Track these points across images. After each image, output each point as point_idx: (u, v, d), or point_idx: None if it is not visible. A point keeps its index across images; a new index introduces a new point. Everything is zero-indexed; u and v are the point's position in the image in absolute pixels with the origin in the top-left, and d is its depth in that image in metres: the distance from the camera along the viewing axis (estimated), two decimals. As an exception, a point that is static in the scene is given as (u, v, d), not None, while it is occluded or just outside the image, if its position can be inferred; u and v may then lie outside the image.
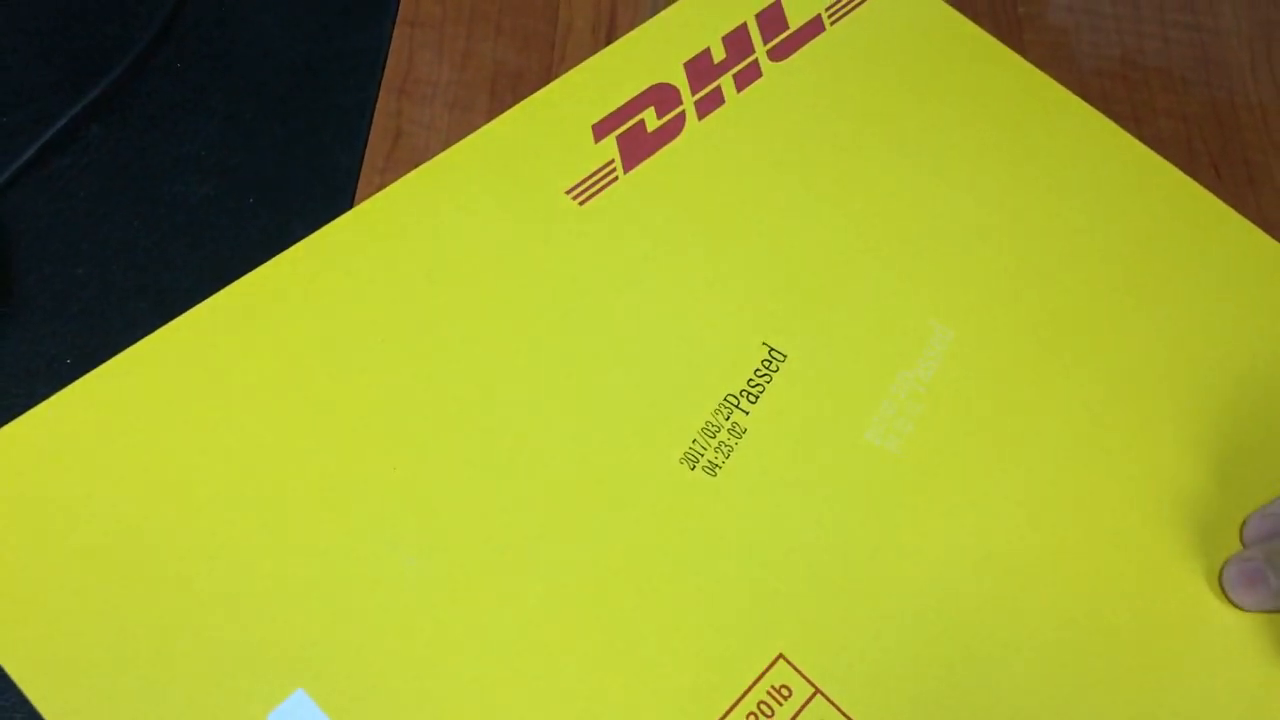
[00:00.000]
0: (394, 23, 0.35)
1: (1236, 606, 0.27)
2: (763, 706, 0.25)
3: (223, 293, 0.28)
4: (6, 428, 0.26)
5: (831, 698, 0.25)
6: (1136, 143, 0.35)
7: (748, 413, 0.28)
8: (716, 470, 0.27)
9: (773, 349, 0.29)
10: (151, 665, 0.23)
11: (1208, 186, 0.35)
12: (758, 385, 0.29)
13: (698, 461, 0.28)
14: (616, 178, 0.31)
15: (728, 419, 0.28)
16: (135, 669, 0.23)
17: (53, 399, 0.26)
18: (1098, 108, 0.36)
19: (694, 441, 0.28)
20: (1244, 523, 0.29)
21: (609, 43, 0.35)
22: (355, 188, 0.31)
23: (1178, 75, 0.38)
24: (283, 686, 0.24)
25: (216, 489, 0.25)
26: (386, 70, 0.34)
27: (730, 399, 0.28)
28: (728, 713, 0.25)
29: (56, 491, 0.25)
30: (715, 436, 0.28)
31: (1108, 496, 0.29)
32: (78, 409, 0.26)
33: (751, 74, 0.34)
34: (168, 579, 0.24)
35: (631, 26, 0.35)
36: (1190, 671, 0.26)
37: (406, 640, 0.24)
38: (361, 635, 0.24)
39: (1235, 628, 0.27)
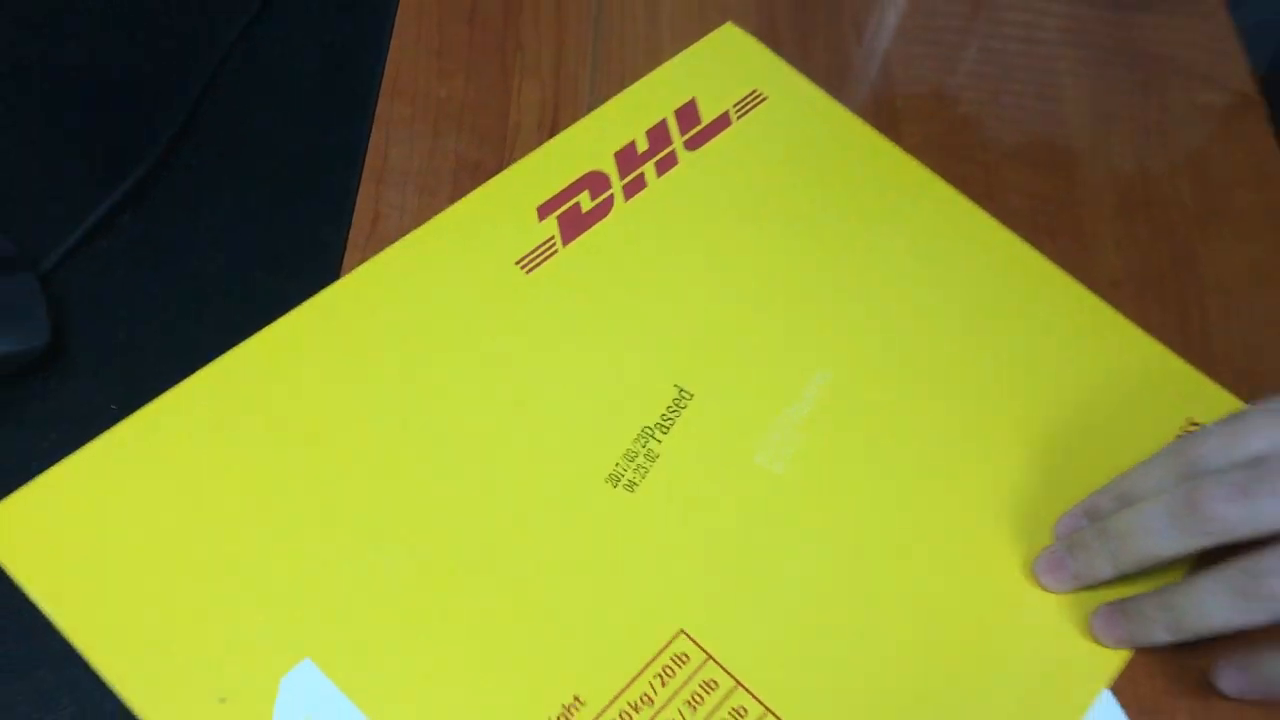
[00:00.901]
0: (372, 121, 0.42)
1: (1046, 589, 0.35)
2: (666, 669, 0.32)
3: (237, 348, 0.35)
4: (68, 459, 0.32)
5: (721, 662, 0.32)
6: (987, 216, 0.43)
7: (660, 441, 0.35)
8: (635, 487, 0.34)
9: (682, 389, 0.36)
10: (188, 640, 0.30)
11: (1045, 253, 0.43)
12: (669, 419, 0.36)
13: (620, 480, 0.34)
14: (556, 250, 0.38)
15: (644, 446, 0.35)
16: (176, 643, 0.30)
17: (104, 436, 0.33)
18: (958, 187, 0.44)
19: (617, 464, 0.35)
20: (1056, 522, 0.36)
21: (551, 136, 0.42)
22: (341, 261, 0.38)
23: (1027, 159, 0.46)
24: (292, 656, 0.30)
25: (236, 501, 0.32)
26: (366, 161, 0.41)
27: (646, 430, 0.35)
28: (640, 672, 0.31)
29: (111, 505, 0.32)
30: (634, 460, 0.35)
31: (953, 505, 0.36)
32: (124, 444, 0.33)
33: (670, 162, 0.41)
34: (198, 573, 0.31)
35: (570, 123, 0.42)
36: (1010, 644, 0.34)
37: (395, 620, 0.31)
38: (356, 617, 0.31)
39: (1046, 610, 0.34)
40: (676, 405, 0.36)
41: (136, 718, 0.29)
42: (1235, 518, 0.31)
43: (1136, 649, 0.34)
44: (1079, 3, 0.52)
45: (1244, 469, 0.31)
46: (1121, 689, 0.35)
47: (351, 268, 0.38)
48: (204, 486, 0.32)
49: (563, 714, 0.31)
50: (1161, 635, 0.33)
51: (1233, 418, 0.33)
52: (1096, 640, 0.34)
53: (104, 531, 0.31)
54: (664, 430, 0.36)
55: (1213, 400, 0.39)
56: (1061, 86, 0.49)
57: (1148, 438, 0.37)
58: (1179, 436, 0.37)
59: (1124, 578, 0.34)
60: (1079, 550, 0.34)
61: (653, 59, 0.45)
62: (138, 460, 0.32)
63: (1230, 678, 0.34)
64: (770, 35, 0.47)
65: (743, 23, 0.47)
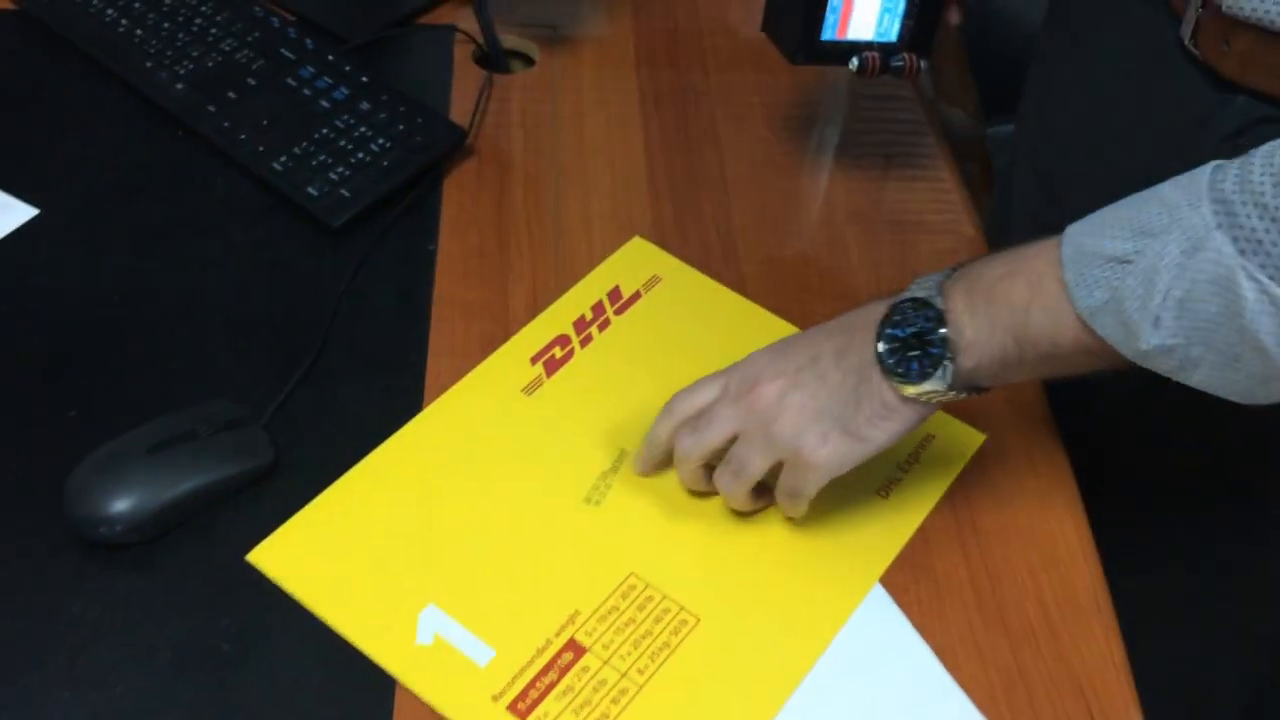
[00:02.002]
0: (430, 318, 0.71)
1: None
2: (624, 594, 0.59)
3: (377, 450, 0.63)
4: (296, 516, 0.60)
5: (656, 587, 0.59)
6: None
7: (612, 478, 0.63)
8: (600, 503, 0.62)
9: (622, 449, 0.64)
10: (378, 604, 0.57)
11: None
12: (616, 466, 0.64)
13: (590, 500, 0.62)
14: (543, 381, 0.67)
15: (604, 480, 0.63)
16: (372, 607, 0.57)
17: (314, 500, 0.61)
18: (784, 318, 0.72)
19: (589, 491, 0.63)
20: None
21: (535, 316, 0.71)
22: (422, 402, 0.67)
23: (829, 295, 0.75)
24: (424, 601, 0.57)
25: (394, 524, 0.60)
26: (430, 344, 0.70)
27: (604, 473, 0.63)
28: (609, 595, 0.58)
29: (328, 534, 0.59)
30: (598, 489, 0.63)
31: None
32: (330, 500, 0.61)
33: (606, 323, 0.71)
34: (375, 565, 0.59)
35: (545, 308, 0.72)
36: (799, 559, 0.61)
37: (479, 583, 0.58)
38: (459, 582, 0.58)
39: (828, 531, 0.61)
40: (620, 459, 0.64)
41: (349, 641, 0.56)
42: (689, 445, 0.59)
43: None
44: (854, 185, 0.82)
45: (694, 416, 0.59)
46: (887, 580, 0.61)
47: (428, 404, 0.66)
48: (369, 522, 0.60)
49: (569, 619, 0.58)
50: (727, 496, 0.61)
51: (700, 381, 0.61)
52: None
53: (326, 547, 0.59)
54: (614, 472, 0.64)
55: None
56: (848, 244, 0.78)
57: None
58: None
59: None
60: (649, 455, 0.62)
61: (591, 261, 0.75)
62: (336, 511, 0.61)
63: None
64: (661, 238, 0.77)
65: (644, 232, 0.77)
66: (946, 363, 0.54)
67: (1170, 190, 0.48)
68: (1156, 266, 0.47)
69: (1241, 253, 0.45)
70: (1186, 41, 0.61)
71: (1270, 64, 0.57)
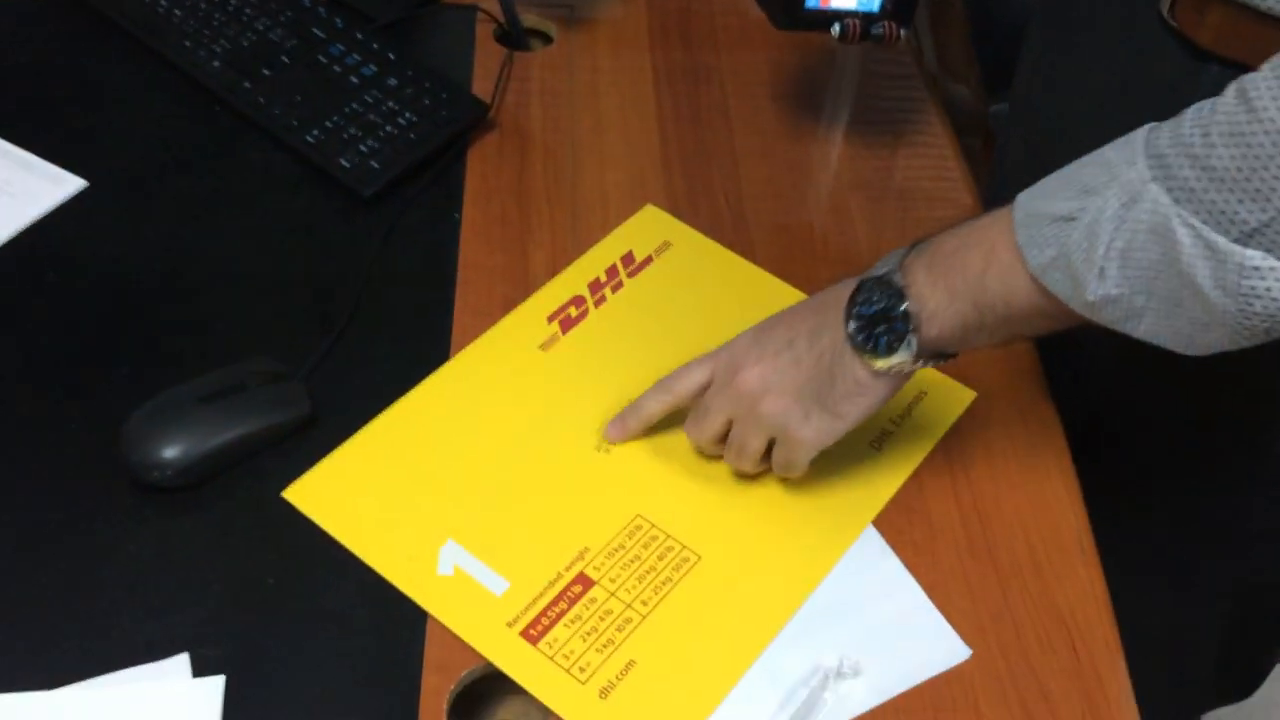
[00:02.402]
0: (456, 279, 0.76)
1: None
2: (631, 534, 0.63)
3: (403, 398, 0.68)
4: (328, 456, 0.65)
5: (660, 527, 0.63)
6: (806, 296, 0.75)
7: (621, 426, 0.68)
8: (610, 451, 0.67)
9: (631, 402, 0.69)
10: (400, 538, 0.62)
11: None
12: (626, 415, 0.68)
13: (600, 447, 0.67)
14: (559, 338, 0.72)
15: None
16: (395, 539, 0.62)
17: (347, 441, 0.66)
18: (790, 283, 0.76)
19: (599, 440, 0.67)
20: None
21: (553, 275, 0.76)
22: (449, 351, 0.71)
23: (834, 260, 0.79)
24: (445, 537, 0.62)
25: (422, 465, 0.65)
26: (456, 303, 0.74)
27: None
28: (617, 534, 0.63)
29: (357, 472, 0.64)
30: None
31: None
32: (364, 440, 0.66)
33: (619, 285, 0.75)
34: (400, 503, 0.63)
35: (562, 269, 0.76)
36: (796, 502, 0.65)
37: (496, 519, 0.63)
38: (478, 519, 0.63)
39: (822, 479, 0.66)
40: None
41: (376, 571, 0.61)
42: (695, 436, 0.65)
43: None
44: (858, 157, 0.86)
45: (696, 412, 0.64)
46: (879, 523, 0.65)
47: (455, 354, 0.71)
48: (400, 461, 0.65)
49: (579, 555, 0.62)
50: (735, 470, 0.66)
51: (691, 362, 0.66)
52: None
53: (356, 485, 0.64)
54: (623, 422, 0.68)
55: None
56: (852, 213, 0.82)
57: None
58: None
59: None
60: (625, 420, 0.67)
61: (606, 228, 0.79)
62: (366, 453, 0.66)
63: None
64: (673, 207, 0.81)
65: (656, 201, 0.81)
66: (910, 335, 0.57)
67: (1110, 151, 0.52)
68: (1099, 220, 0.50)
69: (1176, 201, 0.48)
70: (1165, 13, 0.64)
71: (1241, 35, 0.61)
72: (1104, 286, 0.51)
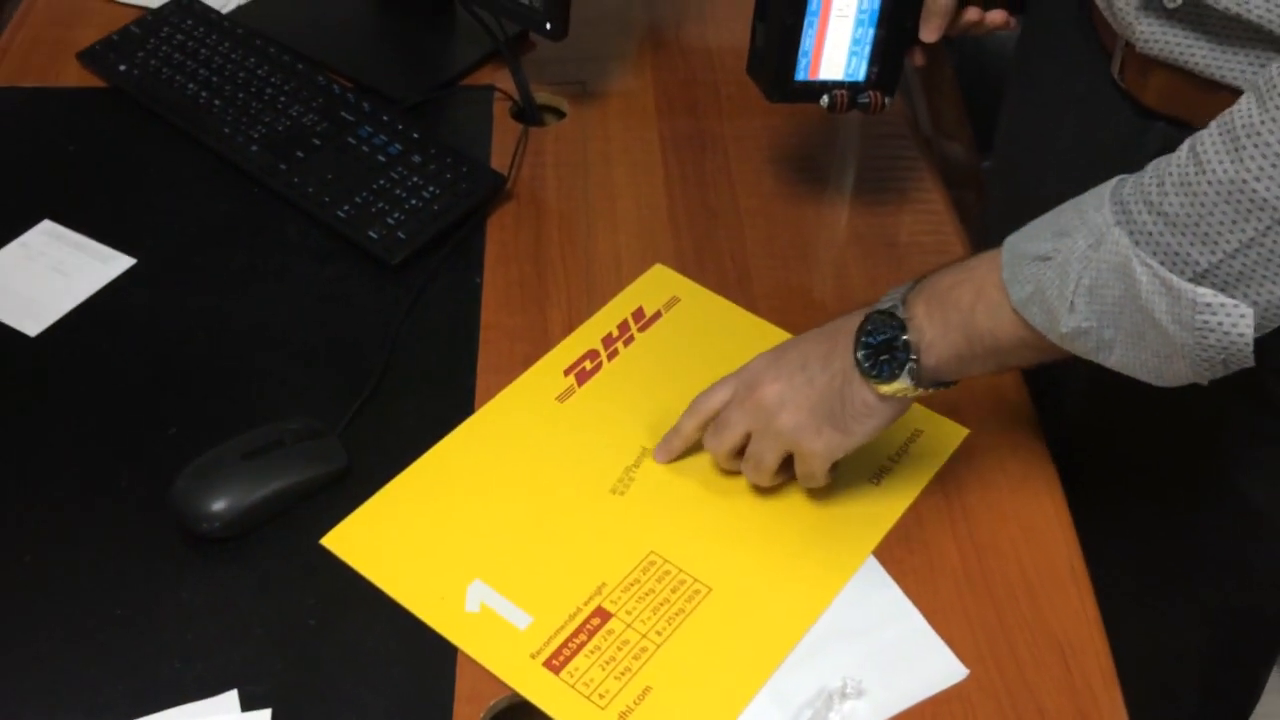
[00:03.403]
0: (479, 341, 0.81)
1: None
2: (646, 569, 0.67)
3: (434, 448, 0.73)
4: (367, 502, 0.70)
5: (673, 563, 0.68)
6: (803, 341, 0.80)
7: (635, 470, 0.72)
8: (625, 493, 0.71)
9: (644, 447, 0.74)
10: (430, 580, 0.67)
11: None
12: (638, 462, 0.73)
13: (616, 489, 0.71)
14: (575, 390, 0.77)
15: (627, 473, 0.72)
16: (426, 582, 0.67)
17: (382, 490, 0.71)
18: (788, 330, 0.81)
19: (615, 482, 0.72)
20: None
21: (569, 333, 0.81)
22: (473, 407, 0.76)
23: (832, 310, 0.84)
24: (472, 576, 0.67)
25: (451, 511, 0.69)
26: (479, 362, 0.79)
27: (627, 467, 0.72)
28: (632, 570, 0.67)
29: (392, 517, 0.69)
30: (622, 480, 0.72)
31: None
32: (397, 489, 0.71)
33: (630, 339, 0.80)
34: (431, 547, 0.68)
35: (577, 327, 0.81)
36: (802, 531, 0.69)
37: (518, 561, 0.68)
38: (503, 562, 0.67)
39: (824, 506, 0.70)
40: (641, 456, 0.73)
41: (407, 609, 0.65)
42: (714, 446, 0.69)
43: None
44: (855, 215, 0.91)
45: (714, 424, 0.69)
46: (880, 553, 0.69)
47: (478, 409, 0.76)
48: (425, 510, 0.70)
49: (597, 590, 0.67)
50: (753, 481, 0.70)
51: (714, 384, 0.70)
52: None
53: (391, 531, 0.69)
54: (636, 467, 0.73)
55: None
56: (849, 266, 0.87)
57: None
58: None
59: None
60: (669, 445, 0.72)
61: (618, 288, 0.84)
62: (399, 501, 0.70)
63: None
64: (681, 265, 0.86)
65: (665, 261, 0.87)
66: (911, 363, 0.62)
67: (1085, 197, 0.57)
68: (1069, 259, 0.55)
69: (1135, 243, 0.53)
70: (1116, 76, 0.70)
71: (1181, 96, 0.66)
72: (1075, 319, 0.56)
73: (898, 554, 0.70)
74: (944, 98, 1.11)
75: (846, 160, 0.99)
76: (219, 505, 0.69)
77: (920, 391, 0.64)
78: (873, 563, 0.69)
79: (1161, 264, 0.53)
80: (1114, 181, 0.56)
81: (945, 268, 0.64)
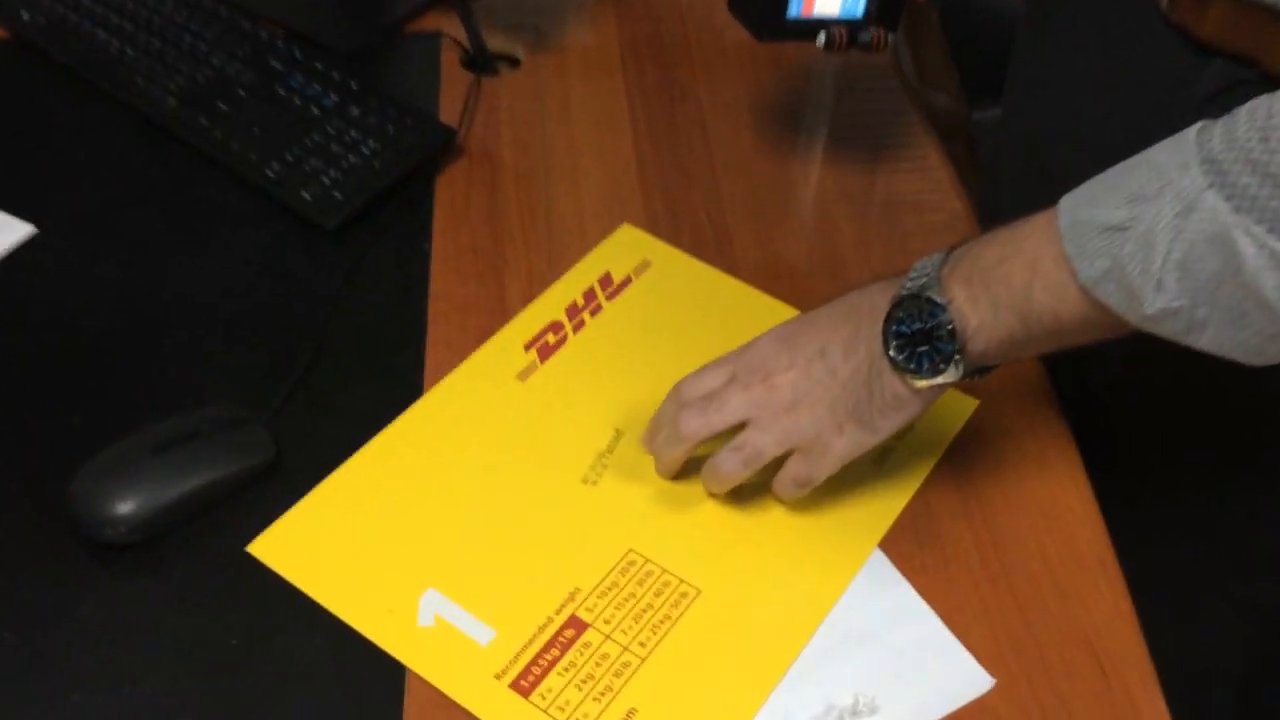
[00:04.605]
0: (428, 315, 0.72)
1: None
2: (624, 570, 0.59)
3: (377, 436, 0.64)
4: (295, 506, 0.61)
5: (656, 562, 0.59)
6: (795, 310, 0.72)
7: (609, 459, 0.64)
8: (597, 482, 0.63)
9: (618, 429, 0.65)
10: (373, 587, 0.58)
11: (829, 324, 0.71)
12: (613, 446, 0.64)
13: (588, 479, 0.63)
14: (538, 367, 0.68)
15: (601, 460, 0.63)
16: (366, 588, 0.58)
17: (312, 492, 0.61)
18: (776, 297, 0.73)
19: (586, 472, 0.63)
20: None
21: (529, 303, 0.72)
22: (422, 388, 0.67)
23: (819, 274, 0.75)
24: (424, 586, 0.58)
25: (389, 511, 0.60)
26: (429, 337, 0.70)
27: (601, 454, 0.64)
28: (609, 572, 0.59)
29: (325, 521, 0.60)
30: (594, 468, 0.63)
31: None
32: (328, 491, 0.61)
33: (598, 308, 0.71)
34: (371, 550, 0.59)
35: (539, 295, 0.72)
36: (801, 527, 0.61)
37: (476, 564, 0.59)
38: (457, 566, 0.59)
39: (825, 502, 0.62)
40: (616, 438, 0.65)
41: (350, 625, 0.57)
42: (697, 426, 0.59)
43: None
44: (841, 170, 0.82)
45: (701, 399, 0.60)
46: (886, 546, 0.61)
47: (428, 390, 0.67)
48: (373, 507, 0.61)
49: (570, 596, 0.58)
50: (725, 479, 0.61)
51: (706, 366, 0.61)
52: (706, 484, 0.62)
53: (326, 536, 0.60)
54: (609, 452, 0.64)
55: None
56: (839, 225, 0.79)
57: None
58: None
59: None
60: (656, 437, 0.62)
61: (582, 250, 0.76)
62: (336, 499, 0.61)
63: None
64: (652, 226, 0.78)
65: (635, 222, 0.78)
66: (956, 355, 0.54)
67: (1159, 154, 0.49)
68: (1153, 230, 0.47)
69: (1237, 210, 0.45)
70: (1164, 7, 0.62)
71: (1244, 28, 0.58)
72: (1163, 299, 0.48)
73: (906, 548, 0.62)
74: (927, 44, 1.03)
75: (829, 112, 0.90)
76: (126, 507, 0.59)
77: (960, 381, 0.56)
78: (879, 557, 0.61)
79: (1270, 232, 0.45)
80: (1193, 133, 0.48)
81: (982, 239, 0.55)
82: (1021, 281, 0.53)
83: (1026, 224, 0.54)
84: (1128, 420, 0.75)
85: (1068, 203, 0.52)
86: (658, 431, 0.63)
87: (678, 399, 0.62)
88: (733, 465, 0.60)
